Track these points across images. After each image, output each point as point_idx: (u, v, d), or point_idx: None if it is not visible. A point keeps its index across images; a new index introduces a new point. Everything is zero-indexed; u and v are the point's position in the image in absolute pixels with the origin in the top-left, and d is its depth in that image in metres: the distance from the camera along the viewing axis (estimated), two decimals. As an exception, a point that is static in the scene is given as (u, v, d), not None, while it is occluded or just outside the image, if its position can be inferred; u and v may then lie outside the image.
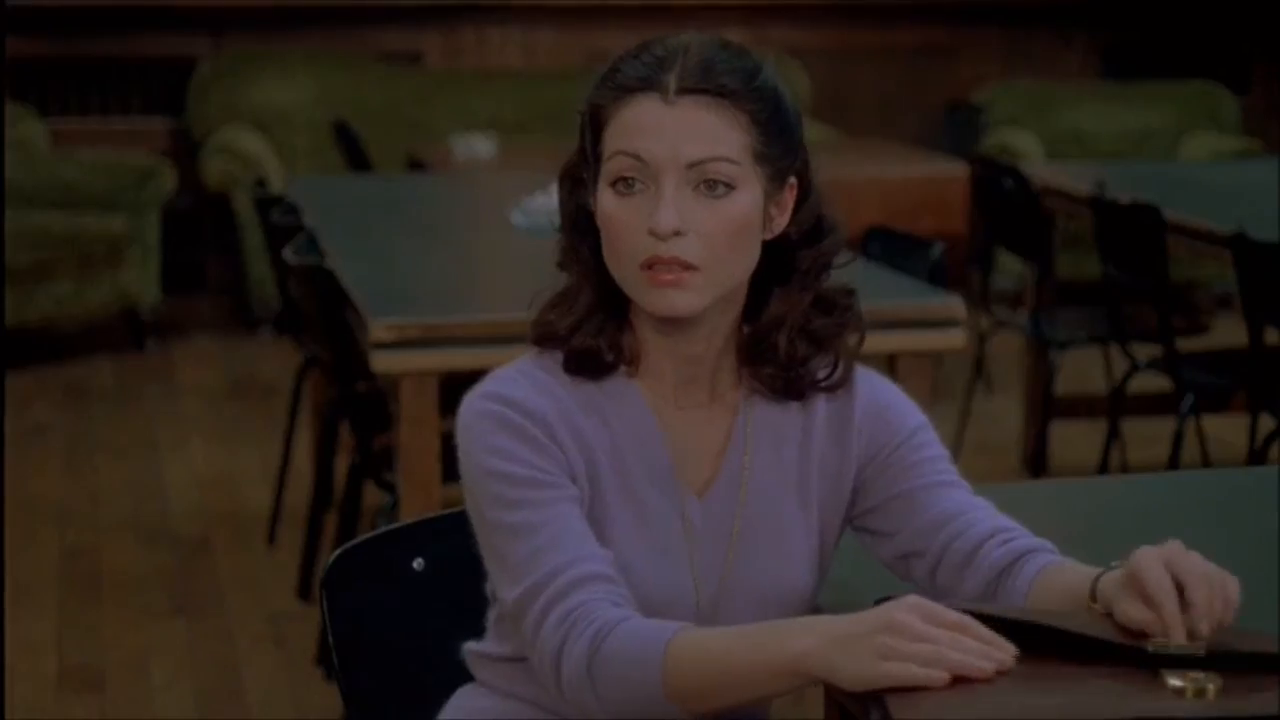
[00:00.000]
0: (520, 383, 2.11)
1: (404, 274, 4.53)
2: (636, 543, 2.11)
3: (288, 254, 4.54)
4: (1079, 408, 6.26)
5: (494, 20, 9.17)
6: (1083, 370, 6.62)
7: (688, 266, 2.05)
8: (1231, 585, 1.92)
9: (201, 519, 5.76)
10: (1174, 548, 1.94)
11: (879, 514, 2.18)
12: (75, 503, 5.92)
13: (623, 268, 2.08)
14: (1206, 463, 5.48)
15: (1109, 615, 1.95)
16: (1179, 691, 1.83)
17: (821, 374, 2.17)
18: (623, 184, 2.07)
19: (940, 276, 4.51)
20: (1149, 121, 9.02)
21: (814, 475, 2.17)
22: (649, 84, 2.06)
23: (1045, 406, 5.91)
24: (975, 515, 2.14)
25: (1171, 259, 5.08)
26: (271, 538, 5.50)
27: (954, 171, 7.08)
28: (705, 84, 2.05)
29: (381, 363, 3.84)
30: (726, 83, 2.06)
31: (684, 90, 2.05)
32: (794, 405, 2.18)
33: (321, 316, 4.43)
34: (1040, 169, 6.48)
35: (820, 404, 2.18)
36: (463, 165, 7.25)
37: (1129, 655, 1.89)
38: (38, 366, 7.59)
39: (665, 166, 2.04)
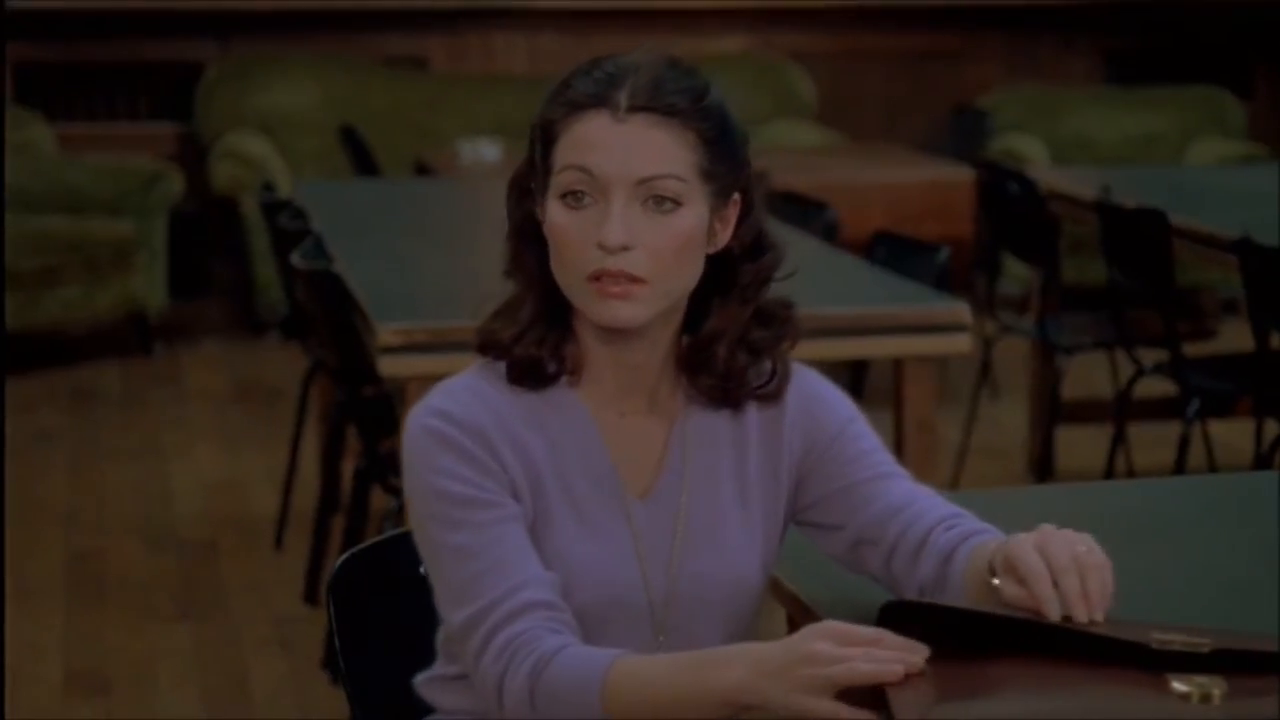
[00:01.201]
0: (462, 396, 2.16)
1: (411, 278, 4.53)
2: (585, 547, 2.15)
3: (295, 258, 4.54)
4: (1085, 412, 6.25)
5: (499, 25, 9.18)
6: (1088, 375, 6.62)
7: (634, 279, 2.09)
8: (1099, 574, 1.95)
9: (208, 523, 5.77)
10: (1046, 532, 1.99)
11: (824, 507, 2.23)
12: (81, 507, 5.93)
13: (569, 278, 2.13)
14: (1212, 467, 5.48)
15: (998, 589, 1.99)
16: (1184, 696, 1.83)
17: (758, 383, 2.21)
18: (572, 197, 2.11)
19: (946, 281, 4.51)
20: (1154, 126, 9.02)
21: (750, 473, 2.22)
22: (600, 101, 2.10)
23: (1051, 411, 5.91)
24: (923, 505, 2.19)
25: (1177, 264, 5.08)
26: (278, 542, 5.50)
27: (959, 176, 7.08)
28: (655, 102, 2.10)
29: (388, 366, 3.85)
30: (675, 101, 2.10)
31: (634, 108, 2.10)
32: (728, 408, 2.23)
33: (328, 321, 4.43)
34: (1046, 173, 6.47)
35: (753, 404, 2.23)
36: (469, 169, 7.25)
37: (1132, 653, 1.90)
38: (44, 371, 7.60)
39: (614, 182, 2.09)
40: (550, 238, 2.13)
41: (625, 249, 2.08)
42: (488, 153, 7.39)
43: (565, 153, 2.11)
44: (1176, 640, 1.89)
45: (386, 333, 3.83)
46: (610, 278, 2.08)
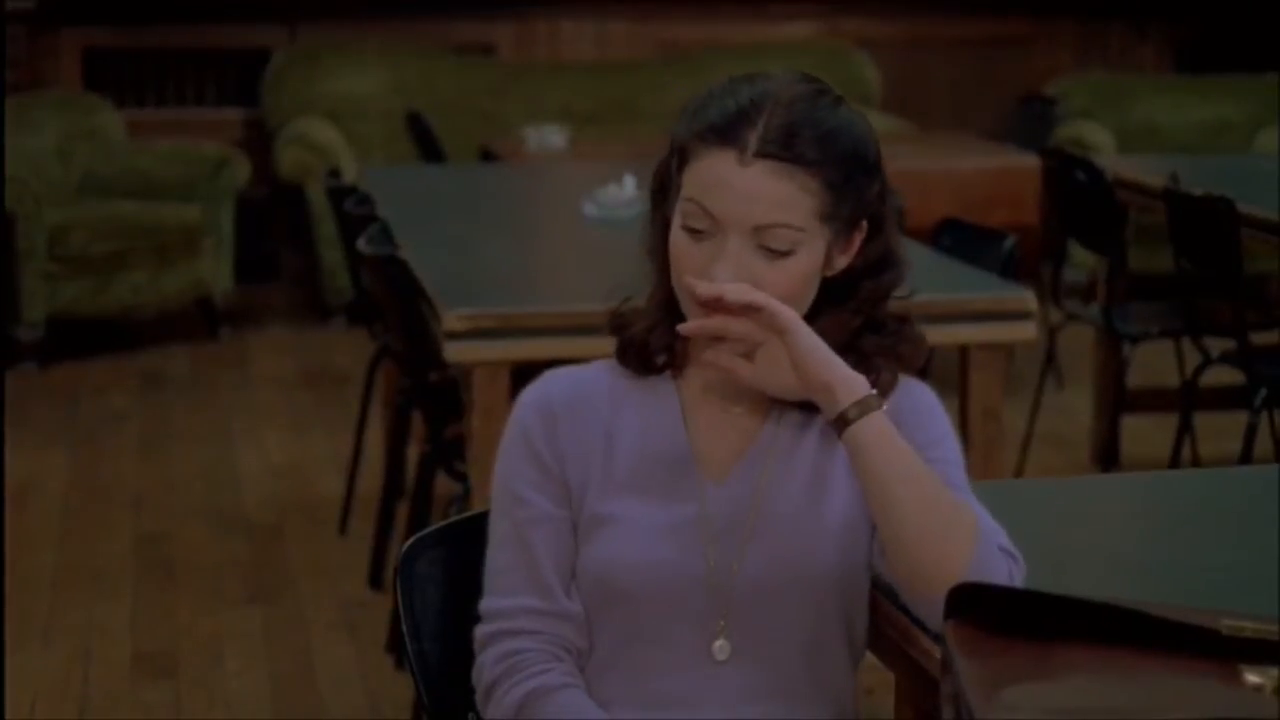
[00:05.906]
0: (562, 381, 2.24)
1: (477, 264, 4.55)
2: (646, 517, 2.17)
3: (361, 244, 4.56)
4: (1151, 401, 6.23)
5: (566, 12, 9.19)
6: (1155, 364, 6.59)
7: None
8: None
9: (274, 507, 5.80)
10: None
11: None
12: (150, 490, 5.97)
13: (682, 295, 2.16)
14: (1279, 457, 5.45)
15: None
16: (1258, 688, 1.81)
17: None
18: (692, 227, 2.13)
19: (1012, 269, 4.50)
20: (1223, 115, 8.97)
21: (836, 469, 2.19)
22: (728, 139, 2.11)
23: (1117, 400, 5.88)
24: None
25: (1245, 252, 5.05)
26: (344, 526, 5.53)
27: (1026, 164, 7.05)
28: (782, 151, 2.10)
29: (454, 352, 3.86)
30: (804, 152, 2.10)
31: (761, 154, 2.10)
32: None
33: (394, 306, 4.45)
34: (1114, 161, 6.44)
35: None
36: (535, 156, 7.27)
37: (1202, 639, 1.88)
38: (114, 355, 7.65)
39: (731, 225, 2.11)
40: (670, 255, 2.16)
41: None
42: (554, 140, 7.40)
43: (691, 183, 2.13)
44: (1247, 627, 1.88)
45: (452, 318, 3.85)
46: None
